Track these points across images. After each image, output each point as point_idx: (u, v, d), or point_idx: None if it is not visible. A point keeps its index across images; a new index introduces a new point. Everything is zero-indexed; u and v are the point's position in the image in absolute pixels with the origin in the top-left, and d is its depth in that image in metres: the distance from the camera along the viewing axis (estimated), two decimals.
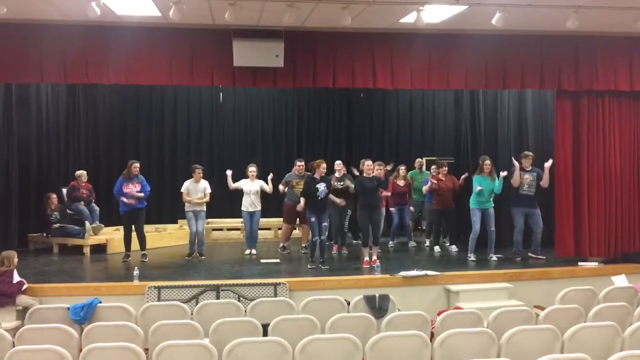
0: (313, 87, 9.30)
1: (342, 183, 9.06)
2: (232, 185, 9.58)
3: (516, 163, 8.97)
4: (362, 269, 8.21)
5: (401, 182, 10.33)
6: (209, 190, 9.52)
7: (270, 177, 9.66)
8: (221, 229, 11.73)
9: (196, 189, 9.40)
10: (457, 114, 11.33)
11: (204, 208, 9.49)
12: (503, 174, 8.86)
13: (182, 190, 9.45)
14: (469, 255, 8.90)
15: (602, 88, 8.67)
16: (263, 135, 13.44)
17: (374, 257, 8.33)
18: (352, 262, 8.93)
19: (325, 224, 8.52)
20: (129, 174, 9.01)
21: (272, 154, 13.28)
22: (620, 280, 6.94)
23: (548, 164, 8.78)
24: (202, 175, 9.48)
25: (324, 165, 8.50)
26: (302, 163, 9.64)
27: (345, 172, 9.54)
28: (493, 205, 8.94)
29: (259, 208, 9.66)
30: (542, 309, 5.74)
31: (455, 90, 10.72)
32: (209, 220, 11.62)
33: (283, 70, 7.93)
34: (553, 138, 9.13)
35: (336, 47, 8.13)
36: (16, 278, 6.70)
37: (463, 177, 9.66)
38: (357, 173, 8.83)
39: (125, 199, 8.89)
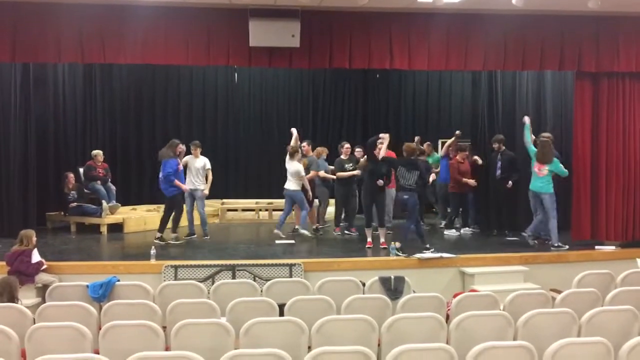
0: (329, 68, 9.23)
1: (350, 165, 9.13)
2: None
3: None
4: (372, 249, 8.19)
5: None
6: (208, 166, 9.27)
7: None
8: (236, 210, 11.78)
9: (194, 165, 9.22)
10: (475, 95, 11.21)
11: (200, 188, 9.18)
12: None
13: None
14: (557, 244, 8.35)
15: (624, 70, 8.52)
16: (278, 115, 13.42)
17: (382, 239, 8.30)
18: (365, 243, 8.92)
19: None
20: (176, 154, 8.88)
21: (287, 134, 13.23)
22: None
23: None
24: (200, 151, 9.28)
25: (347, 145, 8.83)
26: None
27: (351, 154, 9.69)
28: None
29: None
30: (559, 292, 5.71)
31: (473, 71, 10.59)
32: (224, 200, 11.69)
33: (299, 50, 7.88)
34: (572, 120, 9.02)
35: (353, 27, 8.05)
36: (35, 258, 6.73)
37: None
38: None
39: (179, 184, 8.81)
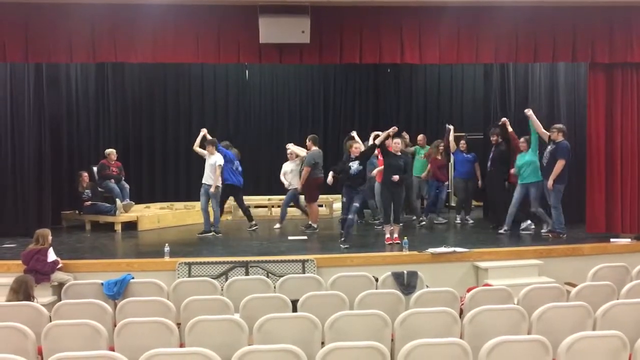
0: (339, 64, 9.21)
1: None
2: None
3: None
4: (385, 246, 8.18)
5: (439, 157, 10.29)
6: (220, 162, 9.33)
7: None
8: (248, 206, 11.77)
9: (209, 162, 9.33)
10: (487, 88, 11.16)
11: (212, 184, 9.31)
12: None
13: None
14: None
15: (637, 60, 8.40)
16: (289, 112, 13.43)
17: (395, 235, 8.29)
18: (379, 239, 8.91)
19: (356, 204, 8.42)
20: None
21: (298, 131, 13.27)
22: None
23: None
24: (214, 149, 9.41)
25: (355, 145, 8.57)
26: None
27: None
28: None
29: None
30: (573, 286, 5.68)
31: (485, 64, 10.52)
32: None
33: (309, 46, 7.85)
34: (586, 112, 8.93)
35: (363, 22, 8.01)
36: (51, 257, 6.76)
37: None
38: None
39: None
